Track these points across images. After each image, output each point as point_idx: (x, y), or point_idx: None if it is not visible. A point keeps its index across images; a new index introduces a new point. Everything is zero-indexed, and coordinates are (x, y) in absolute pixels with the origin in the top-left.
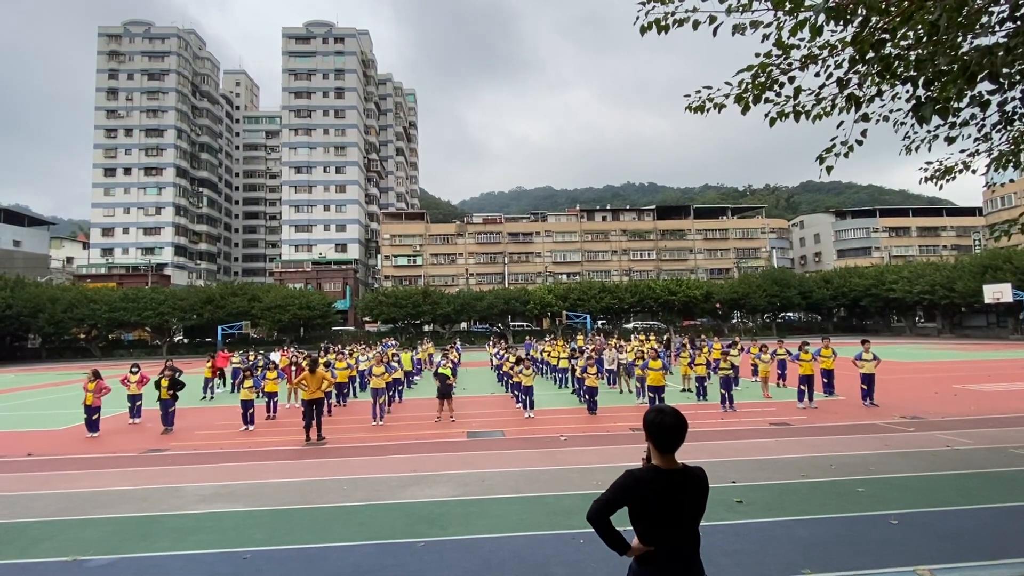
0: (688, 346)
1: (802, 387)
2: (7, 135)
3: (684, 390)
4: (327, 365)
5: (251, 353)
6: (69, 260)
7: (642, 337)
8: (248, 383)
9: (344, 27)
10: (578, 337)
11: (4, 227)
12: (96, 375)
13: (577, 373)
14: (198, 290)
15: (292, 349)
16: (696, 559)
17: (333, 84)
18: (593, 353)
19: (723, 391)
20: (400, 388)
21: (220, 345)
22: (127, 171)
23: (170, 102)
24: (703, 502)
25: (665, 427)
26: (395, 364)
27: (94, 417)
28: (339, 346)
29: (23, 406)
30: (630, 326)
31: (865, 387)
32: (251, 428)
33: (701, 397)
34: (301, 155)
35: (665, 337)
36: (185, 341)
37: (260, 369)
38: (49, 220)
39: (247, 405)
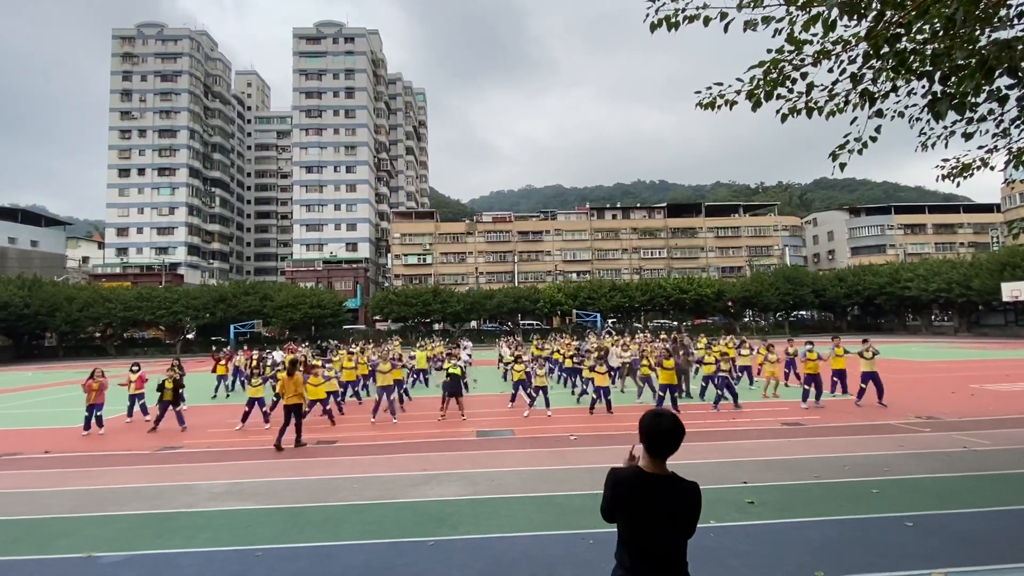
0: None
1: (807, 386)
2: (25, 138)
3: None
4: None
5: (255, 354)
6: (85, 260)
7: (649, 336)
8: (256, 381)
9: (354, 27)
10: (561, 338)
11: (22, 227)
12: (102, 373)
13: (585, 373)
14: (211, 289)
15: (302, 348)
16: (677, 573)
17: (343, 84)
18: (599, 352)
19: (719, 392)
20: (411, 385)
21: (233, 344)
22: (141, 172)
23: (183, 103)
24: (691, 516)
25: (661, 431)
26: (411, 361)
27: (98, 414)
28: (347, 345)
29: (40, 403)
30: (649, 324)
31: (863, 385)
32: (266, 427)
33: (701, 397)
34: (312, 155)
35: (672, 336)
36: (198, 339)
37: (270, 369)
38: (65, 220)
39: (258, 403)
